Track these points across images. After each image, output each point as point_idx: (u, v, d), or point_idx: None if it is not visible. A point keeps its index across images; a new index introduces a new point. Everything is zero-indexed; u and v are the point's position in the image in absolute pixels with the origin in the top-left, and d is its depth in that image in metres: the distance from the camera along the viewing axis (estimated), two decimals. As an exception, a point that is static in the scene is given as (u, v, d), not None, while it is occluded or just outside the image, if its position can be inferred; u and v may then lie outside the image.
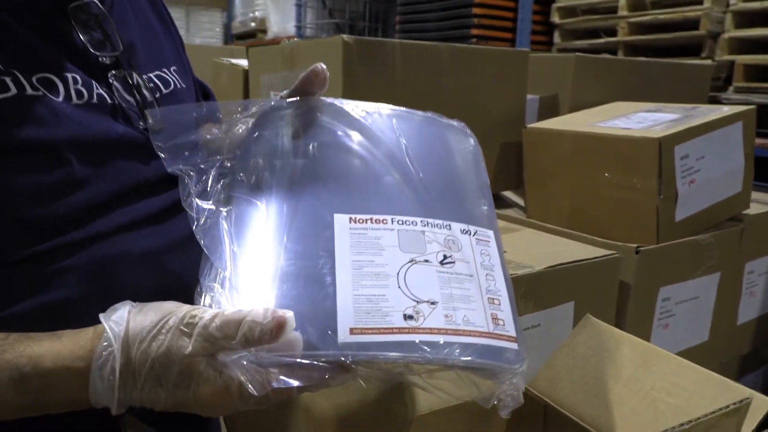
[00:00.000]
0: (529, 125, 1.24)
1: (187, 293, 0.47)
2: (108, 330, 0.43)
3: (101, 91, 0.55)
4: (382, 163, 0.53)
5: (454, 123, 0.60)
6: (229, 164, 0.53)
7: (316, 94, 0.55)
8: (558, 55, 1.53)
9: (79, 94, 0.53)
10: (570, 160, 1.16)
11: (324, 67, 0.55)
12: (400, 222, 0.50)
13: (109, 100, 0.55)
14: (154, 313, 0.43)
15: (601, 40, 2.74)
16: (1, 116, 0.48)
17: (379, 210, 0.50)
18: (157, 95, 0.60)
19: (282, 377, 0.41)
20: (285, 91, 0.57)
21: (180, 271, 0.56)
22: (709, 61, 2.16)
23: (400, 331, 0.45)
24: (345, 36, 0.98)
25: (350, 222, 0.49)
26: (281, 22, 4.50)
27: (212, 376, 0.42)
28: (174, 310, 0.43)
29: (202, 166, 0.52)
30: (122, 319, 0.43)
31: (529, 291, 0.69)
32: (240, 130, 0.55)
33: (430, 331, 0.45)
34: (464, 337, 0.46)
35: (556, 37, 3.05)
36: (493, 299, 0.49)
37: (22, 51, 0.50)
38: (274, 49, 1.27)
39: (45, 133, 0.50)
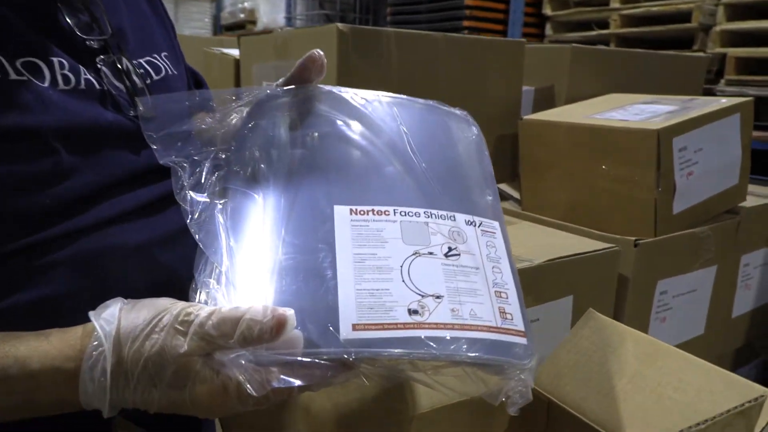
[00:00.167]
0: (525, 117, 1.23)
1: (182, 287, 0.45)
2: (98, 329, 0.41)
3: (89, 76, 0.52)
4: (383, 152, 0.51)
5: (457, 111, 0.58)
6: (223, 155, 0.50)
7: (313, 82, 0.53)
8: (554, 46, 1.51)
9: (66, 79, 0.51)
10: (567, 152, 1.14)
11: (321, 53, 0.52)
12: (403, 213, 0.48)
13: (97, 86, 0.53)
14: (147, 311, 0.41)
15: (593, 33, 2.73)
16: None
17: (381, 201, 0.48)
18: (148, 81, 0.58)
19: (282, 376, 0.39)
20: (281, 79, 0.55)
21: (174, 265, 0.54)
22: (701, 54, 2.16)
23: (405, 326, 0.43)
24: (340, 24, 0.96)
25: (351, 214, 0.47)
26: (271, 13, 4.45)
27: (209, 376, 0.40)
28: (168, 307, 0.41)
29: (196, 158, 0.50)
30: (113, 317, 0.41)
31: (528, 285, 0.67)
32: (234, 120, 0.52)
33: (436, 326, 0.44)
34: (471, 332, 0.44)
35: (548, 29, 3.04)
36: (500, 292, 0.48)
37: (4, 33, 0.48)
38: (267, 38, 1.25)
39: (30, 121, 0.47)
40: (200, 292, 0.43)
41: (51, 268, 0.48)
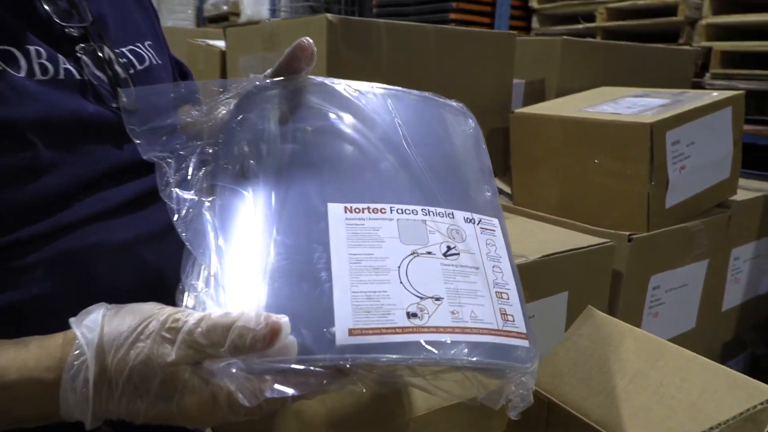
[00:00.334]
0: (517, 110, 1.21)
1: (169, 288, 0.43)
2: (80, 336, 0.38)
3: (69, 66, 0.50)
4: (378, 147, 0.49)
5: (453, 103, 0.56)
6: (211, 150, 0.48)
7: (303, 72, 0.51)
8: (544, 39, 1.50)
9: (43, 69, 0.48)
10: (558, 146, 1.13)
11: (311, 41, 0.50)
12: (400, 211, 0.46)
13: (77, 76, 0.50)
14: (132, 317, 0.39)
15: (580, 26, 2.72)
16: None
17: (377, 198, 0.46)
18: (131, 71, 0.55)
19: (276, 386, 0.37)
20: (269, 70, 0.52)
21: (161, 264, 0.52)
22: (687, 47, 2.16)
23: (404, 330, 0.41)
24: (329, 15, 0.93)
25: (345, 212, 0.45)
26: (254, 5, 4.39)
27: (198, 386, 0.37)
28: (155, 313, 0.39)
29: (182, 153, 0.47)
30: (96, 324, 0.39)
31: (524, 281, 0.66)
32: (222, 113, 0.50)
33: (436, 329, 0.42)
34: (472, 335, 0.42)
35: (535, 23, 3.03)
36: (501, 293, 0.46)
37: None
38: (254, 29, 1.21)
39: (5, 112, 0.44)
40: (188, 296, 0.41)
41: (31, 269, 0.46)
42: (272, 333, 0.37)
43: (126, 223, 0.51)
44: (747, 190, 1.31)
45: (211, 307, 0.40)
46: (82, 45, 0.51)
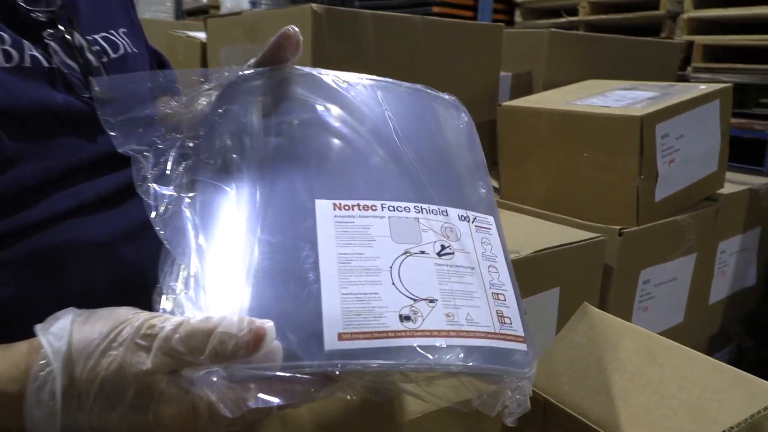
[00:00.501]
0: (504, 103, 1.20)
1: (148, 287, 0.40)
2: (45, 345, 0.35)
3: (35, 53, 0.47)
4: (368, 140, 0.46)
5: (445, 96, 0.54)
6: (191, 144, 0.45)
7: (289, 62, 0.48)
8: (531, 31, 1.48)
9: (7, 55, 0.45)
10: (547, 140, 1.11)
11: (296, 29, 0.47)
12: (391, 208, 0.44)
13: (45, 64, 0.47)
14: (103, 323, 0.36)
15: (563, 20, 2.71)
16: None
17: (367, 195, 0.44)
18: (105, 60, 0.52)
19: (260, 395, 0.35)
20: (252, 60, 0.49)
21: (139, 262, 0.49)
22: (675, 40, 2.16)
23: (396, 334, 0.39)
24: (314, 5, 0.90)
25: (334, 209, 0.42)
26: (235, -3, 4.32)
27: (176, 396, 0.35)
28: (129, 318, 0.36)
29: (160, 146, 0.44)
30: (64, 331, 0.36)
31: (517, 277, 0.64)
32: (203, 104, 0.47)
33: (430, 333, 0.39)
34: (468, 339, 0.40)
35: (517, 16, 3.02)
36: (497, 294, 0.44)
37: None
38: (235, 19, 1.18)
39: None
40: (165, 299, 0.38)
41: (1, 268, 0.43)
42: (256, 339, 0.34)
43: (102, 219, 0.49)
44: (732, 183, 1.31)
45: (190, 310, 0.37)
46: (50, 30, 0.48)
